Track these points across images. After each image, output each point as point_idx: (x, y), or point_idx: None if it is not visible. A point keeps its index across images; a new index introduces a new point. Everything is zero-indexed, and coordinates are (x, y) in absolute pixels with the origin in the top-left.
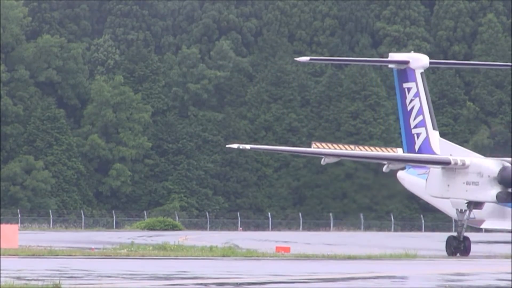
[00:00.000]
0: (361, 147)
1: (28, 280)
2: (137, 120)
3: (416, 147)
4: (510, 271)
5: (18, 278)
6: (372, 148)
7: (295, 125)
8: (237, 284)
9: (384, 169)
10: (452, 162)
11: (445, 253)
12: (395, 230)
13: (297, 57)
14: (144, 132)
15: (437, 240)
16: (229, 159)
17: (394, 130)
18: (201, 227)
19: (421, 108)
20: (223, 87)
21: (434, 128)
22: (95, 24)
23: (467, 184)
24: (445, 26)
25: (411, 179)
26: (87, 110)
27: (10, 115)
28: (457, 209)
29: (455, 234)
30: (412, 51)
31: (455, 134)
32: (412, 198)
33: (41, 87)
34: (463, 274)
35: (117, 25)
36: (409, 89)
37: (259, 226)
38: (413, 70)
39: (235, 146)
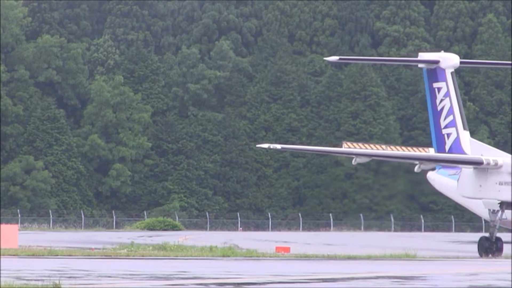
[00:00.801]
0: (392, 147)
1: (28, 280)
2: (137, 120)
3: (447, 147)
4: (510, 271)
5: (18, 278)
6: (403, 148)
7: (295, 125)
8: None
9: (416, 169)
10: (485, 162)
11: (445, 253)
12: (395, 230)
13: (297, 57)
14: (144, 132)
15: (437, 240)
16: (229, 159)
17: (394, 130)
18: (201, 227)
19: (451, 108)
20: (223, 87)
21: (464, 128)
22: (95, 24)
23: (499, 184)
24: (445, 26)
25: (441, 180)
26: (87, 110)
27: (10, 115)
28: (489, 210)
29: (487, 235)
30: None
31: None
32: (412, 198)
33: (41, 87)
34: (463, 274)
35: (117, 25)
36: (439, 89)
37: (259, 226)
38: (443, 70)
39: (265, 146)
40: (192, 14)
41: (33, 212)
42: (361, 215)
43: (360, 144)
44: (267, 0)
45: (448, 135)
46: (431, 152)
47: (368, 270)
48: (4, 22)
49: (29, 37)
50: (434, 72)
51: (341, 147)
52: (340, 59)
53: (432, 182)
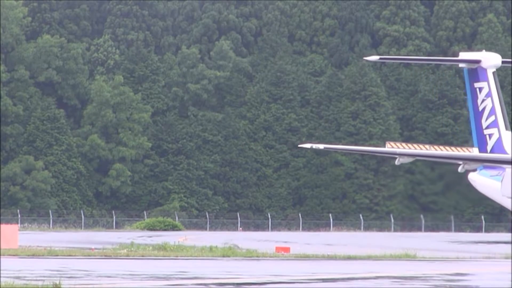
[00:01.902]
0: (435, 147)
1: (28, 280)
2: (137, 120)
3: (488, 148)
4: (510, 271)
5: (18, 278)
6: (447, 147)
7: (295, 125)
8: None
9: (459, 169)
10: None
11: (445, 253)
12: (395, 230)
13: (297, 57)
14: (144, 132)
15: (437, 240)
16: (229, 159)
17: (394, 130)
18: (201, 227)
19: (493, 108)
20: (223, 87)
21: (506, 129)
22: (95, 24)
23: None
24: (445, 26)
25: (483, 181)
26: (87, 110)
27: (10, 115)
28: None
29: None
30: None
31: (455, 134)
32: (412, 198)
33: (41, 87)
34: (463, 274)
35: (117, 25)
36: (480, 89)
37: (259, 226)
38: (485, 70)
39: (308, 145)
40: (192, 14)
41: (33, 212)
42: (361, 215)
43: (404, 144)
44: (267, 0)
45: (490, 135)
46: (474, 152)
47: (368, 270)
48: (4, 22)
49: (29, 37)
50: (475, 72)
51: (384, 147)
52: (380, 58)
53: (473, 183)
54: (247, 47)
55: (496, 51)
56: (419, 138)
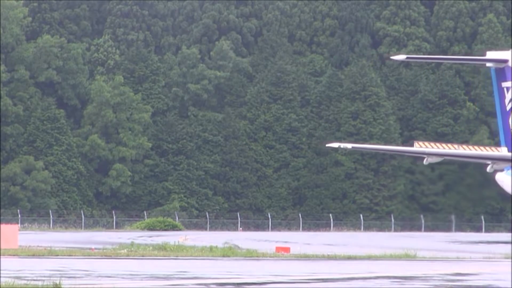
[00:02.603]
0: (464, 146)
1: (28, 280)
2: (137, 121)
3: None
4: (510, 271)
5: (18, 278)
6: (476, 147)
7: (295, 125)
8: (237, 284)
9: (488, 169)
10: None
11: (445, 253)
12: (395, 230)
13: (297, 57)
14: (144, 132)
15: (437, 240)
16: (229, 160)
17: (394, 130)
18: (201, 227)
19: None
20: (223, 87)
21: None
22: (95, 24)
23: None
24: (445, 26)
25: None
26: (87, 110)
27: (10, 116)
28: None
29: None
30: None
31: (455, 134)
32: (412, 199)
33: (41, 88)
34: (463, 274)
35: (117, 26)
36: (508, 89)
37: (259, 226)
38: None
39: (335, 145)
40: (192, 14)
41: (33, 212)
42: (361, 215)
43: (432, 144)
44: (267, 0)
45: None
46: (503, 151)
47: (368, 270)
48: (4, 22)
49: (29, 37)
50: (503, 71)
51: (412, 146)
52: (407, 58)
53: (500, 184)
54: (247, 47)
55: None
56: (419, 138)
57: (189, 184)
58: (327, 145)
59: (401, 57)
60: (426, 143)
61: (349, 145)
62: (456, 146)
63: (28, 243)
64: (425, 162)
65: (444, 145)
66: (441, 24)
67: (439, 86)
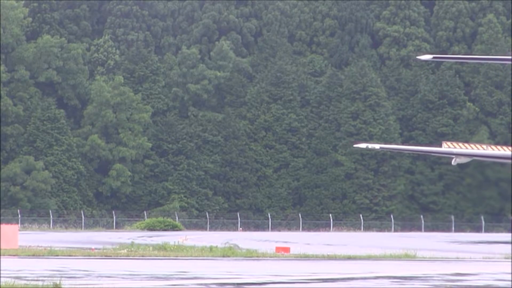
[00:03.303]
0: (492, 147)
1: (28, 280)
2: (137, 121)
3: None
4: (510, 271)
5: (18, 278)
6: (504, 147)
7: (295, 125)
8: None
9: None
10: None
11: (445, 253)
12: (395, 230)
13: (297, 57)
14: (144, 132)
15: (437, 240)
16: (229, 160)
17: (394, 130)
18: (201, 227)
19: None
20: (223, 87)
21: None
22: (95, 24)
23: None
24: (445, 26)
25: None
26: (87, 110)
27: (10, 116)
28: None
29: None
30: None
31: (455, 134)
32: (412, 199)
33: (41, 88)
34: (463, 274)
35: (117, 26)
36: None
37: (259, 227)
38: None
39: (363, 145)
40: (192, 15)
41: (33, 212)
42: (361, 215)
43: (461, 144)
44: (267, 0)
45: None
46: None
47: (368, 270)
48: (5, 23)
49: (30, 38)
50: None
51: (440, 146)
52: (434, 57)
53: None
54: (247, 47)
55: (496, 51)
56: (419, 138)
57: (189, 184)
58: (354, 145)
59: (427, 57)
60: (454, 143)
61: (377, 146)
62: (484, 146)
63: (28, 243)
64: (453, 162)
65: (472, 145)
66: (441, 24)
67: (439, 86)
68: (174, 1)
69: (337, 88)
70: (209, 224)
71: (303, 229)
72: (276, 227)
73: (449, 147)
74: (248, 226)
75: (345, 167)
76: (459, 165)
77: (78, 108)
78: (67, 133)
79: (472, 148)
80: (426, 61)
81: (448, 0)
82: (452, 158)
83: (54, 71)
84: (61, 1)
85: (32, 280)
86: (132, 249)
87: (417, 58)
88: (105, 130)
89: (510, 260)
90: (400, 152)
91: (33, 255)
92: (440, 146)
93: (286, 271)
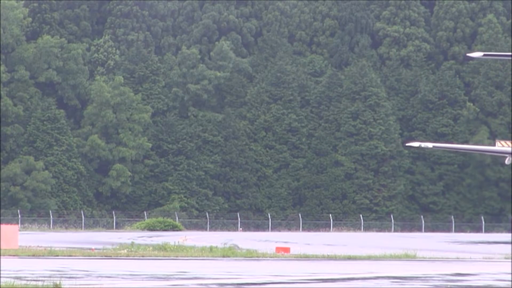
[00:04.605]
0: None
1: (28, 280)
2: (137, 121)
3: None
4: (510, 271)
5: (18, 278)
6: None
7: (295, 126)
8: (237, 284)
9: None
10: None
11: (445, 253)
12: (395, 231)
13: (297, 57)
14: (144, 132)
15: (437, 240)
16: (229, 160)
17: (394, 131)
18: (201, 227)
19: None
20: (223, 87)
21: None
22: (95, 24)
23: None
24: (445, 26)
25: None
26: (87, 110)
27: (10, 116)
28: None
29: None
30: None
31: (455, 134)
32: (412, 199)
33: (41, 88)
34: (463, 274)
35: (117, 26)
36: None
37: (259, 227)
38: None
39: (416, 144)
40: (192, 15)
41: (33, 212)
42: (361, 215)
43: None
44: (267, 0)
45: None
46: None
47: (368, 270)
48: (5, 23)
49: (30, 38)
50: None
51: (493, 145)
52: (484, 55)
53: None
54: (247, 48)
55: (496, 52)
56: (419, 138)
57: (189, 184)
58: (407, 144)
59: (477, 54)
60: (508, 142)
61: (430, 145)
62: None
63: (28, 243)
64: (506, 161)
65: None
66: (441, 25)
67: (439, 86)
68: (174, 1)
69: (337, 88)
70: (209, 224)
71: (303, 229)
72: (276, 227)
73: (503, 146)
74: (248, 226)
75: (345, 167)
76: (459, 165)
77: (78, 108)
78: (67, 133)
79: None
80: (477, 58)
81: (448, 0)
82: (506, 157)
83: (54, 71)
84: (61, 1)
85: (32, 280)
86: (132, 249)
87: (467, 56)
88: (105, 130)
89: (510, 260)
90: (450, 151)
91: (33, 255)
92: (494, 145)
93: (286, 271)
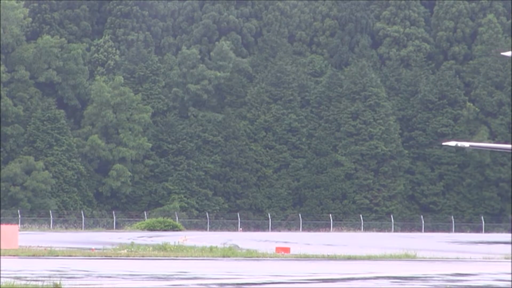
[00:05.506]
0: None
1: (28, 280)
2: (137, 121)
3: None
4: (510, 271)
5: (18, 278)
6: None
7: (295, 126)
8: (237, 284)
9: None
10: None
11: (445, 253)
12: (395, 231)
13: (297, 57)
14: (144, 132)
15: (437, 240)
16: (229, 160)
17: (394, 131)
18: (201, 227)
19: None
20: (223, 87)
21: None
22: (95, 24)
23: None
24: (445, 26)
25: None
26: (87, 110)
27: (10, 116)
28: None
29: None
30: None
31: (455, 134)
32: (412, 199)
33: (41, 88)
34: (463, 274)
35: (117, 26)
36: None
37: (259, 227)
38: None
39: (452, 144)
40: (192, 15)
41: (34, 212)
42: (361, 215)
43: None
44: (267, 0)
45: None
46: None
47: (368, 270)
48: (5, 23)
49: (30, 38)
50: None
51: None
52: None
53: None
54: (247, 48)
55: (496, 52)
56: (419, 138)
57: (189, 184)
58: (443, 143)
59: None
60: None
61: (466, 144)
62: None
63: (28, 243)
64: None
65: None
66: (441, 25)
67: (439, 86)
68: (174, 1)
69: (337, 88)
70: (209, 224)
71: (303, 229)
72: (276, 227)
73: None
74: (248, 226)
75: (345, 167)
76: (458, 165)
77: (78, 108)
78: (67, 133)
79: None
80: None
81: (448, 0)
82: None
83: (54, 71)
84: (61, 1)
85: (32, 280)
86: (132, 249)
87: (501, 54)
88: (105, 130)
89: (510, 260)
90: (486, 150)
91: (33, 255)
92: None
93: (286, 271)
